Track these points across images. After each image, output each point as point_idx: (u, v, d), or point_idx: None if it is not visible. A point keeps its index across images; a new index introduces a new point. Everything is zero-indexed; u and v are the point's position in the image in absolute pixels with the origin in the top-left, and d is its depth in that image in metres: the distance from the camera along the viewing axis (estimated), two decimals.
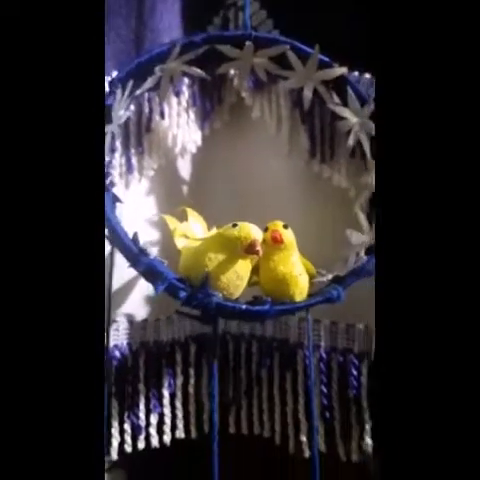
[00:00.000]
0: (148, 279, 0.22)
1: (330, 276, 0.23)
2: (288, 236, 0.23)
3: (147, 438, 0.30)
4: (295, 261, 0.23)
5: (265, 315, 0.22)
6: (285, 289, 0.23)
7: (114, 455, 0.28)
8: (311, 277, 0.24)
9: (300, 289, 0.23)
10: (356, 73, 0.31)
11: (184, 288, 0.22)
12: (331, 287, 0.23)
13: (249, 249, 0.21)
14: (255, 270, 0.24)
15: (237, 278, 0.22)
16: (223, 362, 0.32)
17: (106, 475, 0.32)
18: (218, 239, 0.23)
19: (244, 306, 0.22)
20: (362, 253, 0.24)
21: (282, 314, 0.23)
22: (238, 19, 0.34)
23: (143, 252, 0.22)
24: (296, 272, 0.23)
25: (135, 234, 0.22)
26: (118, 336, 0.29)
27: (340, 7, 0.32)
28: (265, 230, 0.23)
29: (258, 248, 0.21)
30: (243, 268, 0.22)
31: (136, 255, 0.22)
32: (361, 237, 0.25)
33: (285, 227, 0.23)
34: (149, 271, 0.22)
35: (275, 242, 0.22)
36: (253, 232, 0.22)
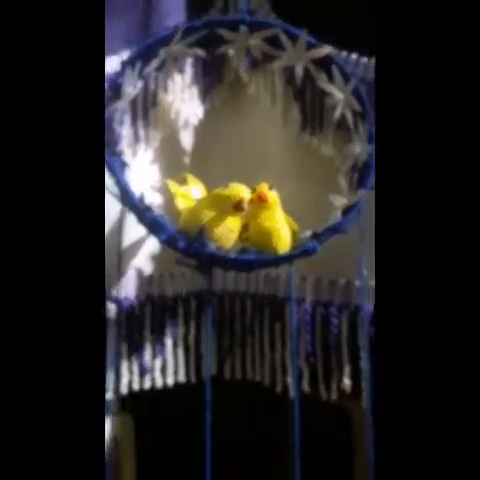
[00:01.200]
0: (152, 231, 0.26)
1: (309, 233, 0.27)
2: (272, 196, 0.27)
3: (152, 379, 0.34)
4: (278, 217, 0.27)
5: (251, 264, 0.26)
6: (269, 241, 0.26)
7: (124, 390, 0.32)
8: (293, 232, 0.27)
9: (282, 242, 0.27)
10: (344, 53, 0.34)
11: (183, 239, 0.26)
12: (309, 241, 0.26)
13: (237, 206, 0.25)
14: (246, 227, 0.28)
15: (228, 231, 0.26)
16: (220, 316, 0.36)
17: (114, 419, 0.37)
18: (212, 198, 0.27)
19: (233, 255, 0.26)
20: (339, 214, 0.27)
21: (266, 263, 0.27)
22: (237, 2, 0.37)
23: (148, 208, 0.26)
24: (279, 226, 0.27)
25: (142, 194, 0.26)
26: (127, 288, 0.33)
27: None
28: (253, 191, 0.27)
29: (244, 206, 0.25)
30: (233, 223, 0.26)
31: (143, 211, 0.26)
32: (342, 200, 0.29)
33: (270, 188, 0.27)
34: (153, 224, 0.26)
35: (260, 201, 0.26)
36: (241, 192, 0.26)
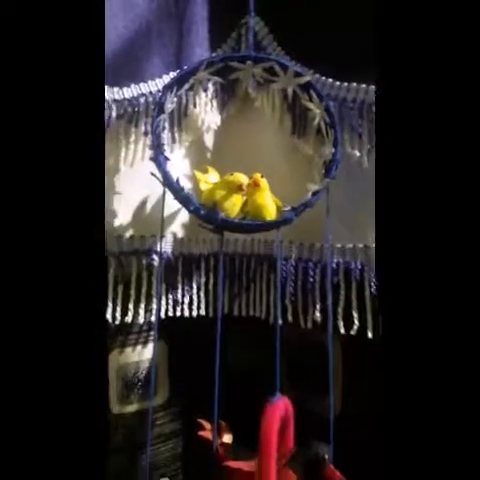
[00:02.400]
0: (184, 204, 0.39)
1: (289, 207, 0.39)
2: (263, 182, 0.38)
3: (182, 310, 0.48)
4: (267, 197, 0.38)
5: (248, 227, 0.39)
6: (261, 212, 0.38)
7: (162, 315, 0.45)
8: (278, 207, 0.39)
9: (270, 213, 0.38)
10: (323, 78, 0.45)
11: (203, 210, 0.38)
12: (288, 213, 0.39)
13: (239, 188, 0.38)
14: (246, 203, 0.40)
15: (233, 205, 0.38)
16: (231, 270, 0.48)
17: (152, 346, 0.47)
18: (223, 182, 0.39)
19: (236, 221, 0.38)
20: (310, 195, 0.40)
21: (258, 227, 0.39)
22: (248, 34, 0.48)
23: (182, 188, 0.38)
24: (267, 202, 0.38)
25: (177, 178, 0.39)
26: (166, 246, 0.44)
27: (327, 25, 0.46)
28: (250, 178, 0.39)
29: (244, 187, 0.37)
30: (237, 199, 0.38)
31: (178, 190, 0.38)
32: (314, 186, 0.41)
33: (262, 177, 0.38)
34: (185, 199, 0.38)
35: (255, 185, 0.38)
36: (242, 178, 0.38)
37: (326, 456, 0.36)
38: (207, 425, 0.39)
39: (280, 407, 0.36)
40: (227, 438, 0.40)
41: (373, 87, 0.42)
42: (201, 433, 0.39)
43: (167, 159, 0.39)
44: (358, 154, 0.42)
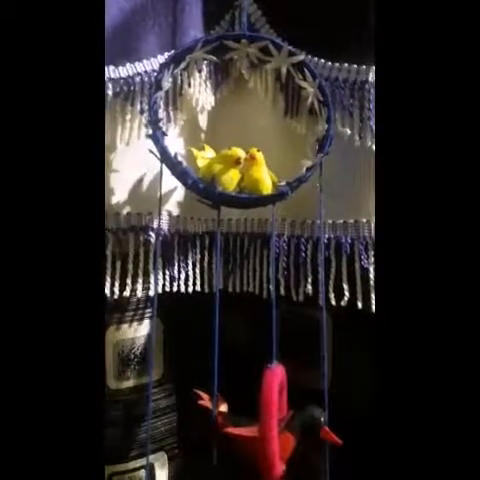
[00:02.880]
0: (182, 179, 0.39)
1: (284, 182, 0.40)
2: (259, 156, 0.39)
3: (178, 286, 0.49)
4: (263, 171, 0.39)
5: (245, 201, 0.40)
6: (257, 187, 0.39)
7: (160, 290, 0.46)
8: (274, 182, 0.40)
9: (266, 188, 0.39)
10: (315, 58, 0.46)
11: (201, 184, 0.39)
12: (283, 188, 0.40)
13: (236, 162, 0.38)
14: (242, 178, 0.41)
15: (230, 179, 0.39)
16: (226, 248, 0.49)
17: (149, 322, 0.50)
18: (220, 157, 0.40)
19: (233, 194, 0.39)
20: (304, 170, 0.41)
21: (255, 201, 0.40)
22: (242, 16, 0.49)
23: (180, 163, 0.39)
24: (263, 177, 0.39)
25: (175, 154, 0.39)
26: (162, 223, 0.45)
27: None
28: (247, 153, 0.40)
29: (241, 161, 0.38)
30: (234, 173, 0.39)
31: (176, 165, 0.39)
32: (308, 162, 0.42)
33: (258, 151, 0.39)
34: (183, 173, 0.39)
35: (251, 158, 0.39)
36: (239, 152, 0.39)
37: (322, 418, 0.37)
38: (204, 395, 0.41)
39: (278, 372, 0.37)
40: (223, 407, 0.41)
41: (364, 67, 0.43)
42: (200, 402, 0.40)
43: (164, 134, 0.40)
44: (349, 132, 0.43)
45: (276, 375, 0.37)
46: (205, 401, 0.40)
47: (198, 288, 0.48)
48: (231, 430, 0.38)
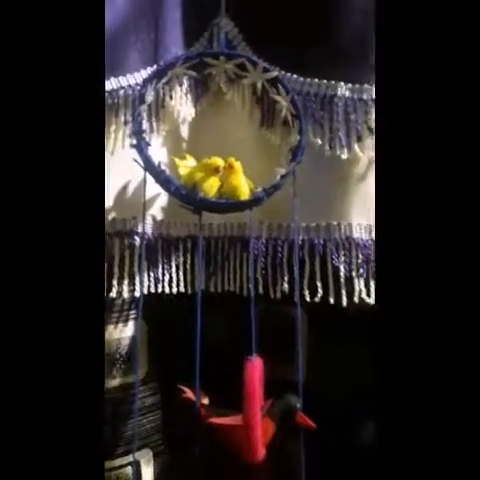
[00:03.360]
0: (165, 186, 0.42)
1: (261, 189, 0.44)
2: (237, 165, 0.43)
3: (162, 287, 0.51)
4: (241, 179, 0.43)
5: (226, 206, 0.43)
6: (235, 193, 0.43)
7: (145, 291, 0.49)
8: (251, 189, 0.44)
9: (243, 194, 0.43)
10: (288, 74, 0.50)
11: (183, 191, 0.42)
12: (259, 193, 0.43)
13: (215, 170, 0.42)
14: (222, 185, 0.44)
15: (211, 186, 0.42)
16: (207, 252, 0.52)
17: (134, 324, 0.53)
18: (201, 165, 0.43)
19: (213, 200, 0.42)
20: (278, 177, 0.44)
21: (233, 206, 0.43)
22: (220, 34, 0.53)
23: (163, 171, 0.42)
24: (241, 184, 0.43)
25: (159, 162, 0.42)
26: (147, 227, 0.48)
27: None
28: (225, 162, 0.43)
29: (220, 170, 0.42)
30: (214, 181, 0.42)
31: (159, 173, 0.42)
32: (282, 170, 0.45)
33: (236, 160, 0.43)
34: (166, 181, 0.42)
35: (230, 168, 0.42)
36: (218, 161, 0.42)
37: (298, 405, 0.40)
38: (187, 389, 0.43)
39: (258, 364, 0.40)
40: (205, 400, 0.44)
41: (333, 82, 0.47)
42: (184, 395, 0.42)
43: (148, 144, 0.43)
44: (320, 142, 0.47)
45: (257, 366, 0.40)
46: (188, 394, 0.42)
47: (182, 289, 0.51)
48: (215, 420, 0.40)
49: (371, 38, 0.45)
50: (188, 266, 0.51)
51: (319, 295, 0.46)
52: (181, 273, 0.51)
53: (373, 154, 0.45)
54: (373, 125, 0.45)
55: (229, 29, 0.52)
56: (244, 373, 0.39)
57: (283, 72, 0.49)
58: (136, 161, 0.44)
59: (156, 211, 0.49)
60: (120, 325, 0.51)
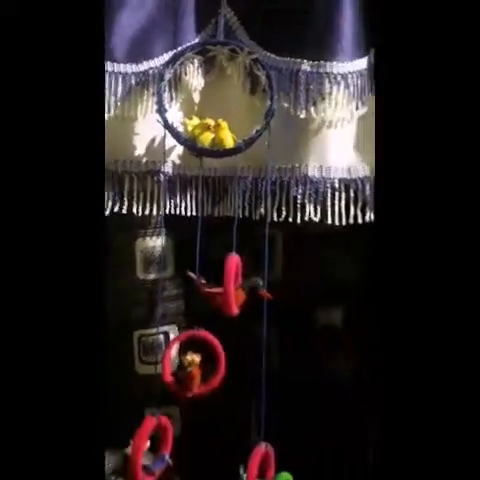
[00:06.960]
0: (177, 139, 0.64)
1: (242, 141, 0.63)
2: (223, 124, 0.62)
3: (180, 211, 0.74)
4: (227, 134, 0.62)
5: (216, 153, 0.63)
6: (222, 143, 0.63)
7: (167, 212, 0.71)
8: (235, 141, 0.63)
9: (229, 144, 0.63)
10: (269, 54, 0.67)
11: (189, 142, 0.63)
12: (240, 144, 0.63)
13: (208, 127, 0.62)
14: (214, 139, 0.64)
15: (205, 139, 0.62)
16: (213, 187, 0.73)
17: (162, 237, 0.77)
18: (199, 124, 0.64)
19: (208, 148, 0.63)
20: (254, 132, 0.63)
21: (222, 153, 0.63)
22: (222, 21, 0.70)
23: (175, 128, 0.63)
24: (227, 137, 0.62)
25: (172, 122, 0.63)
26: (167, 168, 0.68)
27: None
28: (216, 122, 0.63)
29: (210, 126, 0.62)
30: (208, 135, 0.63)
31: (172, 130, 0.63)
32: (258, 127, 0.64)
33: (223, 120, 0.62)
34: (177, 136, 0.63)
35: (218, 126, 0.62)
36: (210, 121, 0.62)
37: (260, 283, 0.62)
38: (192, 274, 0.66)
39: (235, 259, 0.62)
40: (203, 280, 0.66)
41: (299, 60, 0.64)
42: (189, 274, 0.65)
43: (166, 110, 0.64)
44: (287, 106, 0.65)
45: (234, 260, 0.62)
46: (193, 276, 0.65)
47: (194, 213, 0.72)
48: (207, 289, 0.63)
49: (330, 26, 0.62)
50: (199, 196, 0.72)
51: (283, 216, 0.66)
52: (194, 201, 0.72)
53: (324, 115, 0.63)
54: (326, 92, 0.63)
55: (230, 18, 0.69)
56: (225, 265, 0.61)
57: (265, 52, 0.67)
58: (159, 122, 0.65)
59: (174, 157, 0.70)
60: (154, 237, 0.75)
